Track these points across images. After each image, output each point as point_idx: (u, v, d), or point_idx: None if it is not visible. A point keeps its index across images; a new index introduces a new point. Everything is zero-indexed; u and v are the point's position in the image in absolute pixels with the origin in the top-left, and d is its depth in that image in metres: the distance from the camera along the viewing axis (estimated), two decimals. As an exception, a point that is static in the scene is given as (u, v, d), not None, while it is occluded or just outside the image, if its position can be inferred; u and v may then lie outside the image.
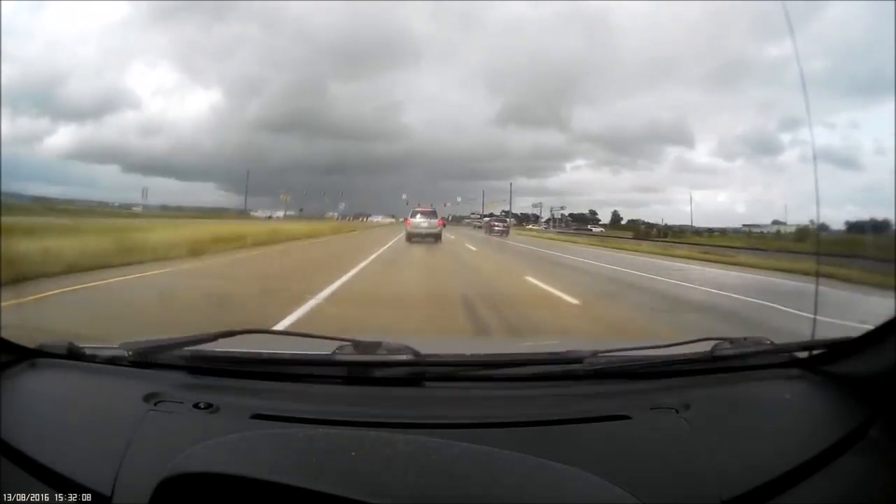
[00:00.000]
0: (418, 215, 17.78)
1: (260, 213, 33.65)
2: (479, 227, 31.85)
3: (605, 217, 39.25)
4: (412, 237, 16.91)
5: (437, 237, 17.26)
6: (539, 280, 7.61)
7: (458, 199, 39.92)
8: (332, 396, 1.02)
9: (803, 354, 1.16)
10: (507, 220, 31.82)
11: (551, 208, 39.48)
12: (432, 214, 18.20)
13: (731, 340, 1.16)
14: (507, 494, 0.65)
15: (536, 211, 40.33)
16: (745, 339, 1.17)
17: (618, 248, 19.52)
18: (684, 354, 1.13)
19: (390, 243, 15.05)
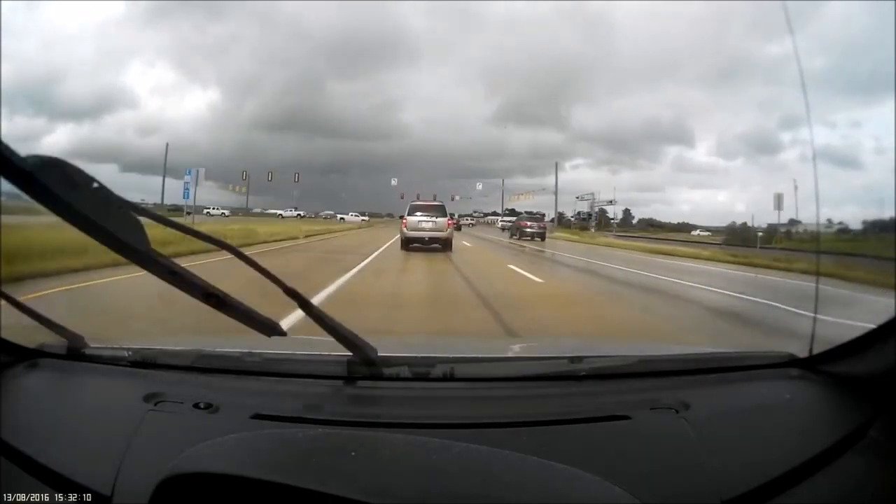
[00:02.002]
0: (418, 212, 13.07)
1: (213, 211, 31.65)
2: (506, 229, 25.61)
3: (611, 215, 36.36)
4: (410, 242, 12.53)
5: (445, 244, 12.55)
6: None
7: (479, 186, 32.49)
8: (332, 396, 1.02)
9: (803, 354, 1.16)
10: (544, 220, 25.17)
11: (592, 203, 31.73)
12: (438, 211, 13.24)
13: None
14: (507, 495, 0.65)
15: (586, 205, 33.08)
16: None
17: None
18: (684, 354, 1.13)
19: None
